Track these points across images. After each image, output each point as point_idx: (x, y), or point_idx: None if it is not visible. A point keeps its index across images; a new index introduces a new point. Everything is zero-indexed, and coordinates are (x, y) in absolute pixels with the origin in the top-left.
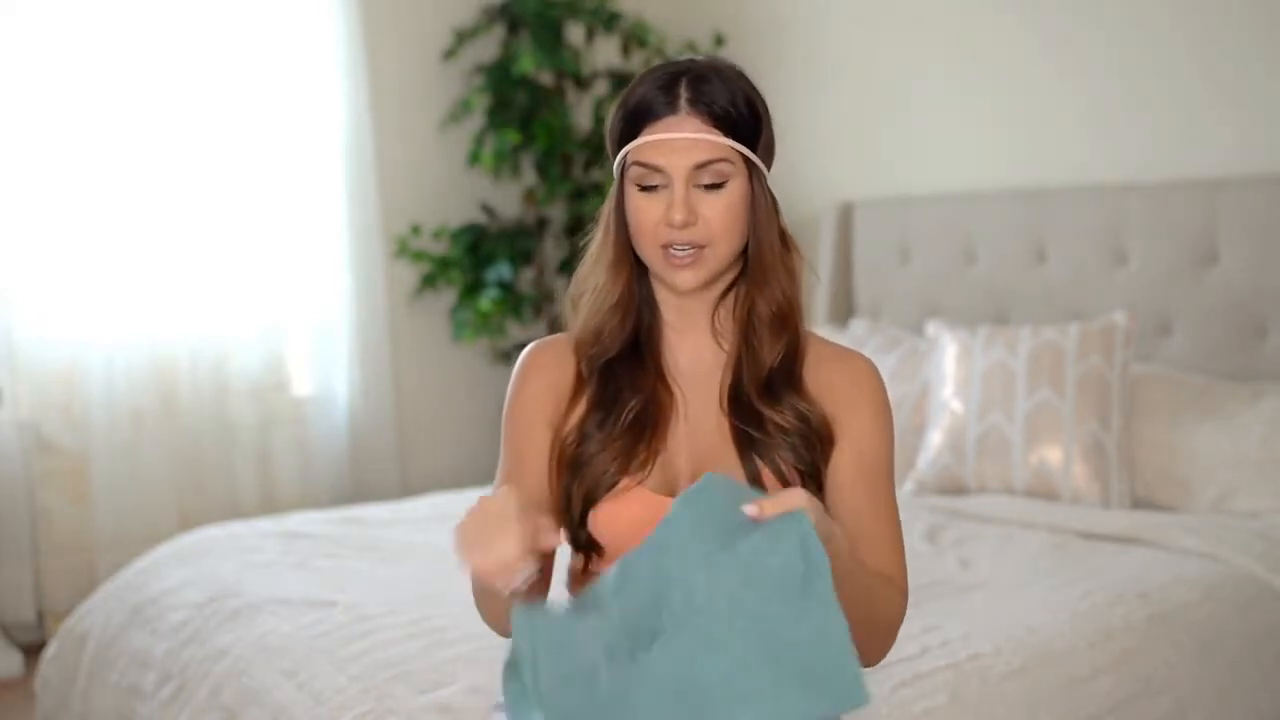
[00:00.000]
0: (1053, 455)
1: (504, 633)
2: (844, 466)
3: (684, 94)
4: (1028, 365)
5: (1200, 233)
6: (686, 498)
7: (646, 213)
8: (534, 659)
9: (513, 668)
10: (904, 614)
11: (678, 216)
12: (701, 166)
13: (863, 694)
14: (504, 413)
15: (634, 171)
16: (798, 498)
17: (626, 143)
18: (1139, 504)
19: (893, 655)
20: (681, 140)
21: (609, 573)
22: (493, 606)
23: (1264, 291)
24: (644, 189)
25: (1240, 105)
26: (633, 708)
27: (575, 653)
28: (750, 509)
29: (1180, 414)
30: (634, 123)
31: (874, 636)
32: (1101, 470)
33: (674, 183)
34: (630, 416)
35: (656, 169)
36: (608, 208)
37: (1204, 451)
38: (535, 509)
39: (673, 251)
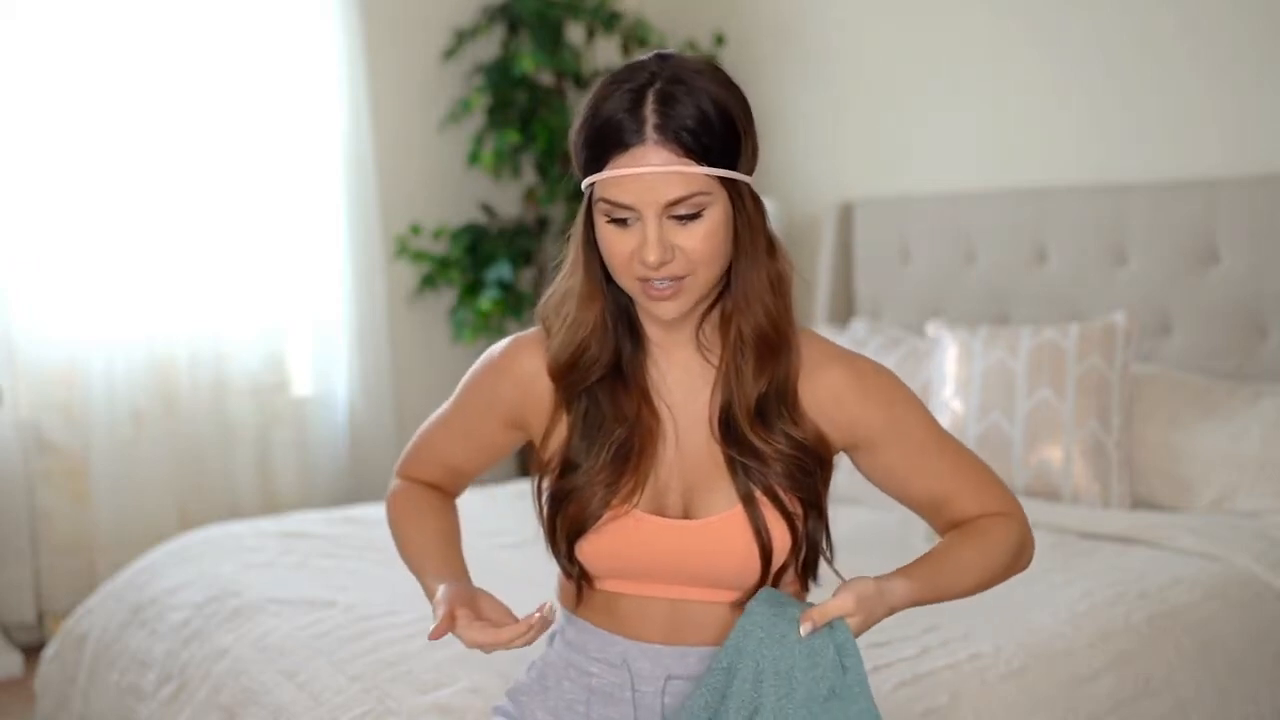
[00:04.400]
0: (1053, 455)
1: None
2: (897, 461)
3: (651, 118)
4: (1028, 365)
5: (1200, 233)
6: (750, 609)
7: (619, 247)
8: None
9: None
10: (1027, 528)
11: (652, 257)
12: (675, 203)
13: None
14: (468, 378)
15: (602, 205)
16: (844, 603)
17: (592, 170)
18: (1139, 504)
19: (892, 655)
20: (651, 175)
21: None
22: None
23: (1264, 291)
24: (614, 221)
25: (1239, 105)
26: None
27: None
28: (804, 627)
29: (1180, 414)
30: (598, 150)
31: (1015, 565)
32: (1101, 470)
33: (645, 220)
34: (614, 448)
35: (626, 207)
36: (577, 233)
37: (1204, 451)
38: (460, 475)
39: (652, 284)
